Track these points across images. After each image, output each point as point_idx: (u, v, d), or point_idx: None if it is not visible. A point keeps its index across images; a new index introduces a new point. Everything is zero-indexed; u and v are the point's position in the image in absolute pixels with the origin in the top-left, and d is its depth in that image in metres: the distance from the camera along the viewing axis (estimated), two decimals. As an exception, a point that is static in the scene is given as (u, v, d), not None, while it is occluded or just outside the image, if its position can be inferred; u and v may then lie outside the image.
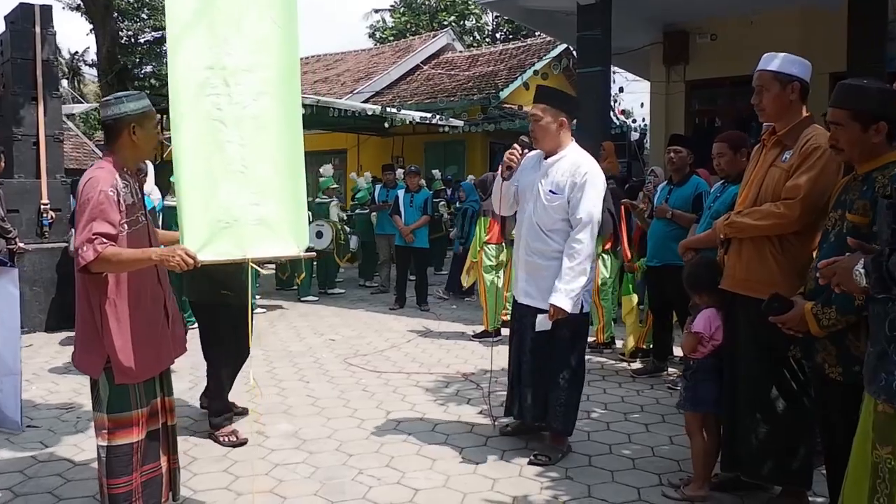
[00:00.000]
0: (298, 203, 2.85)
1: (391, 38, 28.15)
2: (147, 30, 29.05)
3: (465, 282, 7.53)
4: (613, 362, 5.82)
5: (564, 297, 3.39)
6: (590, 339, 6.15)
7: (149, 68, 24.10)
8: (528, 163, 3.67)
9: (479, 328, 6.94)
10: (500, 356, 4.99)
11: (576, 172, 3.47)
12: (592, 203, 3.45)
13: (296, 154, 2.83)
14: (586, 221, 3.43)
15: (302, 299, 9.18)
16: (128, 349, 2.54)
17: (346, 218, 10.57)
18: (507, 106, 16.10)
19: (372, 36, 31.70)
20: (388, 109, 13.33)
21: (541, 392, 3.61)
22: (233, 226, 2.64)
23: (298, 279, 9.25)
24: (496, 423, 4.15)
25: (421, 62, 19.62)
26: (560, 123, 3.54)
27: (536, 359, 3.61)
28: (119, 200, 2.49)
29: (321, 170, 10.42)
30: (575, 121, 3.85)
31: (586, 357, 3.86)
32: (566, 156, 3.56)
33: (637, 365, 5.65)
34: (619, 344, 6.26)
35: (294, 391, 4.93)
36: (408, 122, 14.05)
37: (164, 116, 8.41)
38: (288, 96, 2.83)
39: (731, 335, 3.06)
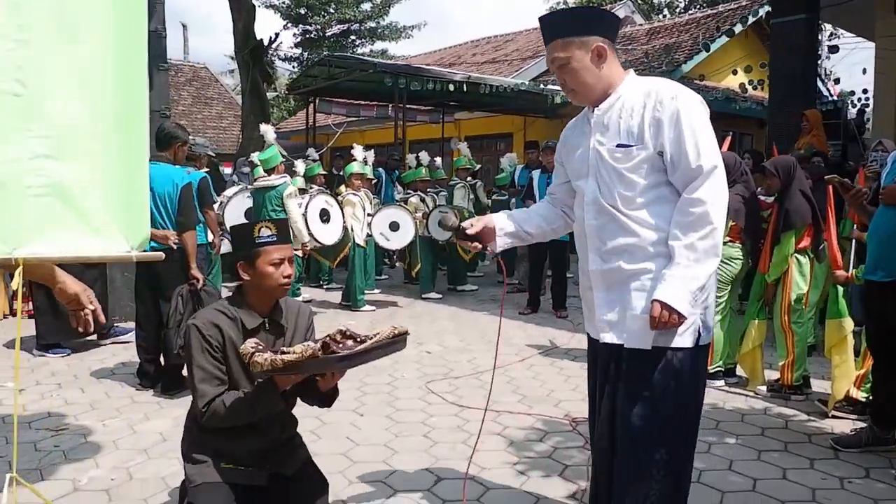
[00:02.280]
0: (134, 173, 1.62)
1: (570, 19, 26.37)
2: (334, 23, 29.89)
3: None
4: (805, 418, 3.97)
5: (682, 287, 1.94)
6: (771, 379, 4.35)
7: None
8: (569, 133, 2.32)
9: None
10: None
11: (654, 101, 2.03)
12: (706, 137, 2.00)
13: (133, 98, 1.61)
14: (708, 168, 1.98)
15: (423, 296, 8.05)
16: None
17: (489, 204, 9.20)
18: (692, 81, 13.84)
19: (551, 18, 30.06)
20: (542, 86, 11.83)
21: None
22: None
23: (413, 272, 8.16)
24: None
25: (595, 38, 17.79)
26: (597, 52, 2.07)
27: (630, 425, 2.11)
28: None
29: (503, 160, 9.61)
30: (617, 40, 2.27)
31: (762, 402, 2.70)
32: (625, 92, 2.12)
33: (844, 428, 3.76)
34: (816, 388, 4.36)
35: (332, 430, 3.71)
36: (567, 101, 12.44)
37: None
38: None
39: None
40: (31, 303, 5.90)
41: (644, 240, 2.05)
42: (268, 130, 6.91)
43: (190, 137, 4.99)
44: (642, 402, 2.03)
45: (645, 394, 2.02)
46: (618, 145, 2.07)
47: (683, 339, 2.02)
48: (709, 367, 4.58)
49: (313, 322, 2.59)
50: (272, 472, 2.45)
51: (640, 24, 18.98)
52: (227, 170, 12.33)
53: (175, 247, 4.31)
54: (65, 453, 3.43)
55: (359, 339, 2.22)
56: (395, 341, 2.22)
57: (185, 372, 2.58)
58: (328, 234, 7.07)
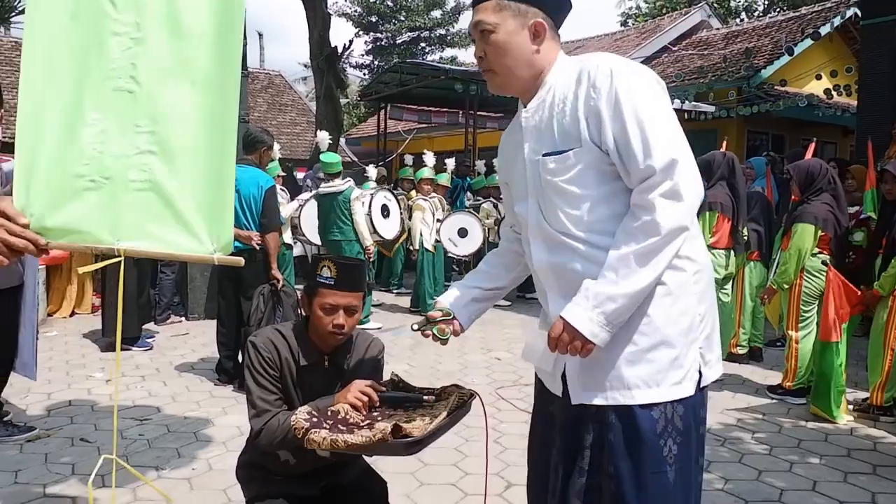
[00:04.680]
0: (223, 174, 1.67)
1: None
2: (404, 31, 30.32)
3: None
4: (895, 440, 3.76)
5: (593, 308, 1.47)
6: (861, 398, 4.15)
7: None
8: (504, 143, 1.82)
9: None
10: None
11: (587, 85, 1.52)
12: (656, 123, 1.48)
13: (227, 103, 1.69)
14: (662, 166, 1.45)
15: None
16: None
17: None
18: (773, 86, 13.38)
19: (624, 24, 29.59)
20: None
21: None
22: (102, 187, 1.52)
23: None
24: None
25: (669, 43, 17.43)
26: (534, 28, 1.60)
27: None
28: None
29: None
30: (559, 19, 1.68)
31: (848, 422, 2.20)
32: (554, 82, 1.62)
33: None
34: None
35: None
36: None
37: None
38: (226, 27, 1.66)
39: None
40: (100, 297, 6.18)
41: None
42: (323, 138, 7.05)
43: None
44: (637, 480, 1.54)
45: (644, 469, 1.54)
46: (549, 153, 1.57)
47: (683, 387, 1.55)
48: (790, 384, 4.41)
49: (382, 359, 2.41)
50: (327, 483, 2.42)
51: (717, 29, 18.48)
52: (301, 174, 12.64)
53: (258, 247, 4.44)
54: (149, 442, 3.58)
55: (412, 393, 2.06)
56: (464, 408, 1.99)
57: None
58: (388, 228, 7.35)
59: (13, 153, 5.12)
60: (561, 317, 1.50)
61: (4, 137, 3.74)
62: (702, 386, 1.59)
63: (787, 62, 12.60)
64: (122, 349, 5.50)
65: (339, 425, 1.91)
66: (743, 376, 4.99)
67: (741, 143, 13.79)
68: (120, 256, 1.83)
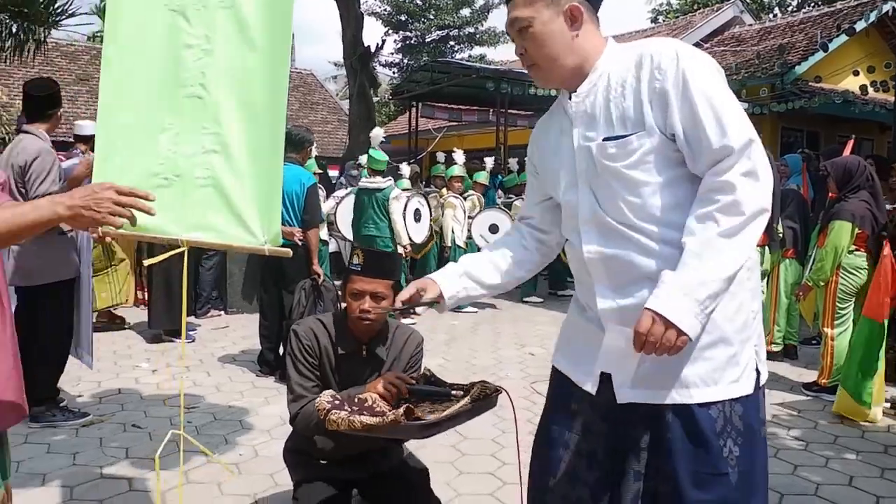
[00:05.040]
0: (273, 171, 1.78)
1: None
2: (433, 29, 30.41)
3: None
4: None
5: (684, 295, 1.38)
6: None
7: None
8: (540, 132, 1.78)
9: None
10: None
11: (651, 67, 1.48)
12: (729, 105, 1.44)
13: (278, 106, 1.79)
14: (740, 145, 1.40)
15: (524, 300, 8.10)
16: None
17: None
18: (808, 82, 13.21)
19: (654, 21, 29.31)
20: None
21: None
22: (173, 184, 1.65)
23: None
24: None
25: (701, 39, 17.26)
26: (570, 13, 1.55)
27: None
28: None
29: None
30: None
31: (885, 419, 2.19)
32: (608, 67, 1.56)
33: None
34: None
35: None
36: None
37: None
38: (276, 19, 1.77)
39: None
40: (145, 292, 6.38)
41: (670, 260, 1.45)
42: (377, 134, 7.17)
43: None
44: (698, 482, 1.49)
45: (704, 470, 1.49)
46: (609, 138, 1.51)
47: (741, 385, 1.51)
48: (826, 381, 4.41)
49: (421, 351, 2.52)
50: (369, 469, 2.53)
51: (750, 25, 18.25)
52: (334, 172, 12.81)
53: (300, 243, 4.57)
54: (197, 429, 3.72)
55: (442, 388, 2.10)
56: (487, 402, 2.01)
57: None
58: (418, 233, 7.55)
59: (65, 151, 5.29)
60: (648, 309, 1.40)
61: (59, 137, 3.90)
62: (760, 385, 1.55)
63: (821, 58, 12.43)
64: (165, 341, 5.70)
65: (364, 411, 1.98)
66: (778, 374, 4.99)
67: (775, 139, 13.65)
68: (183, 247, 1.95)
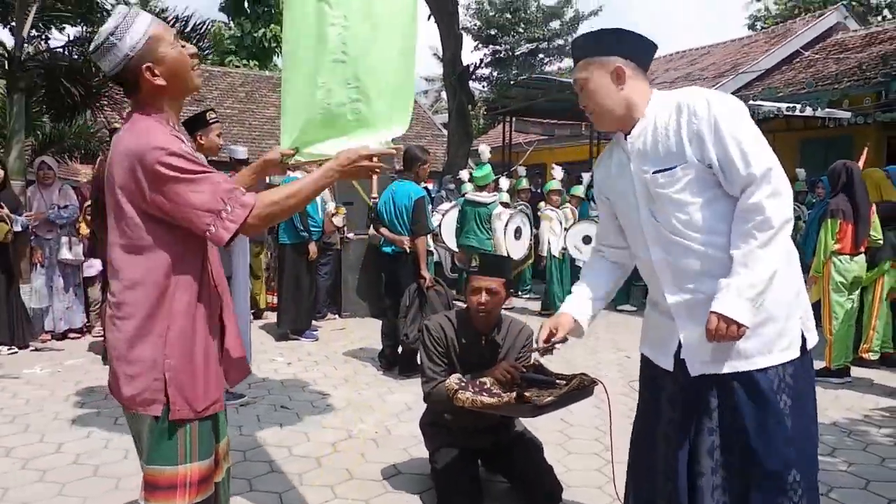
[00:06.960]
0: (406, 88, 2.46)
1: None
2: (522, 42, 30.81)
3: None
4: None
5: (738, 296, 1.84)
6: None
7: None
8: (603, 168, 2.24)
9: (819, 364, 5.34)
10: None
11: (688, 113, 1.92)
12: (750, 140, 1.86)
13: (407, 52, 2.44)
14: (760, 173, 1.84)
15: (618, 308, 8.38)
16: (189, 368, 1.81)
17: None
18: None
19: (752, 27, 28.61)
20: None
21: None
22: (333, 126, 2.37)
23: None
24: None
25: (801, 47, 16.86)
26: (615, 73, 2.00)
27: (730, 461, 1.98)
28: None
29: None
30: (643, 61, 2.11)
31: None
32: (654, 113, 2.01)
33: None
34: None
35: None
36: (771, 115, 12.01)
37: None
38: None
39: None
40: (275, 296, 7.14)
41: (717, 259, 1.92)
42: (485, 150, 7.69)
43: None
44: (762, 430, 1.90)
45: (767, 420, 1.90)
46: (658, 171, 1.97)
47: (790, 351, 1.94)
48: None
49: (530, 343, 2.99)
50: (493, 439, 3.05)
51: (854, 31, 17.67)
52: (430, 186, 13.45)
53: (408, 250, 5.13)
54: (334, 411, 4.31)
55: (548, 377, 2.59)
56: (585, 391, 2.47)
57: (418, 359, 3.25)
58: (517, 250, 8.03)
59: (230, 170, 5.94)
60: (714, 312, 1.85)
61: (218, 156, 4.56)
62: (807, 349, 1.97)
63: (931, 64, 12.02)
64: (292, 339, 6.39)
65: (483, 392, 2.54)
66: (873, 380, 5.13)
67: (881, 149, 13.24)
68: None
